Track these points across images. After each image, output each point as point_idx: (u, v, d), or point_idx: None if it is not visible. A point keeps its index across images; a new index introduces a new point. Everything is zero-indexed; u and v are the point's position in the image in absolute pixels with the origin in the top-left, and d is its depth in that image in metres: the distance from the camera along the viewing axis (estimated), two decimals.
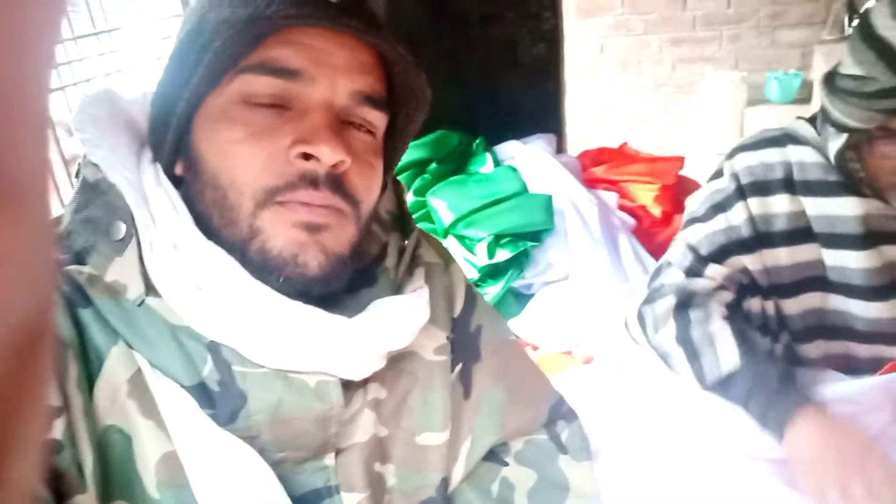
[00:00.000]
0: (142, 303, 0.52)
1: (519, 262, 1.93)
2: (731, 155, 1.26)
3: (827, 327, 1.21)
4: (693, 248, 1.21)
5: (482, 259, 1.88)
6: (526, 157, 2.30)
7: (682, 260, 1.21)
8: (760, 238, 1.18)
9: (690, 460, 1.04)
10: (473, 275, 1.88)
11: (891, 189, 1.05)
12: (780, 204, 1.18)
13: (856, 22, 1.02)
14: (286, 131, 0.52)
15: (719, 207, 1.21)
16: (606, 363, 1.35)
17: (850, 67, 0.99)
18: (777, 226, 1.18)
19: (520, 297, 1.93)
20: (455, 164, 2.26)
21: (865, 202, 1.11)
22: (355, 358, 0.55)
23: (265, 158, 0.51)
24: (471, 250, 1.92)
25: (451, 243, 1.97)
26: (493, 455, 0.74)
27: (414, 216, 2.11)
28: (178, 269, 0.52)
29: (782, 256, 1.18)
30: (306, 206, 0.52)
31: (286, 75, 0.52)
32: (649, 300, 1.22)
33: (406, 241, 0.65)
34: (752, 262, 1.18)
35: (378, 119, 0.57)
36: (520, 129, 2.49)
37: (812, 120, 1.21)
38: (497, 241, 1.89)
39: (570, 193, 2.07)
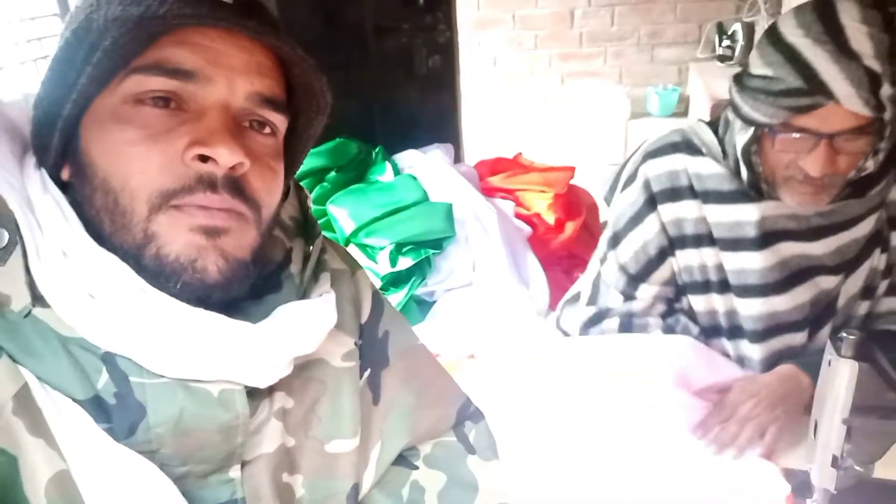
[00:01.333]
0: (28, 314, 0.49)
1: (421, 269, 1.94)
2: (641, 160, 1.34)
3: (727, 327, 1.31)
4: (624, 269, 1.34)
5: (384, 267, 1.88)
6: (425, 166, 2.32)
7: (616, 281, 1.35)
8: (673, 242, 1.30)
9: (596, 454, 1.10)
10: (376, 283, 1.87)
11: (784, 184, 1.14)
12: (687, 209, 1.27)
13: (765, 28, 1.14)
14: (182, 133, 0.51)
15: (636, 219, 1.33)
16: (510, 362, 1.39)
17: (759, 68, 1.08)
18: (686, 230, 1.28)
19: (423, 305, 1.95)
20: (355, 172, 2.25)
21: (761, 206, 1.20)
22: (260, 364, 0.54)
23: (160, 161, 0.50)
24: (373, 259, 1.91)
25: (352, 252, 1.95)
26: (403, 459, 0.74)
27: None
28: (68, 277, 0.49)
29: (692, 258, 1.28)
30: (204, 209, 0.51)
31: (181, 76, 0.51)
32: (595, 321, 1.39)
33: (310, 247, 0.64)
34: (672, 265, 1.31)
35: (278, 121, 0.56)
36: (418, 139, 2.51)
37: (712, 123, 1.30)
38: (399, 249, 1.90)
39: (470, 202, 2.10)
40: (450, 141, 2.72)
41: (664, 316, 1.37)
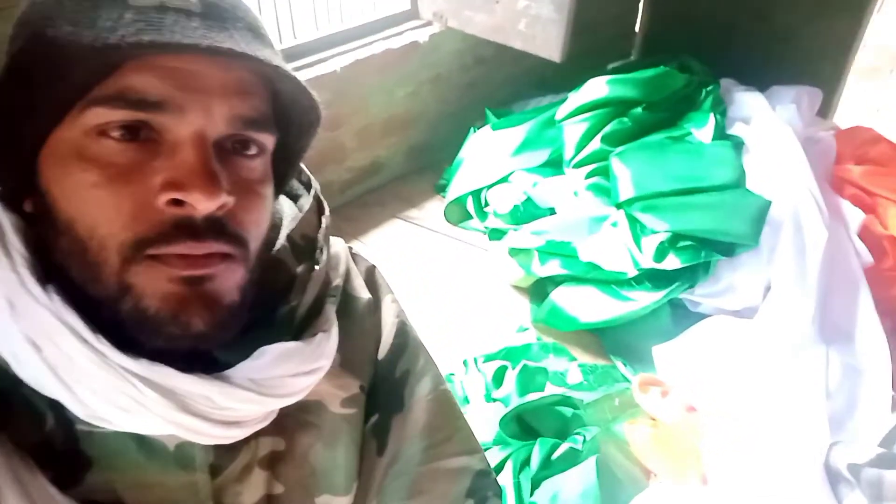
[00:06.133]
0: None
1: (693, 270, 1.54)
2: None
3: None
4: None
5: (646, 258, 1.52)
6: (764, 126, 1.77)
7: None
8: None
9: None
10: (630, 272, 1.54)
11: None
12: None
13: None
14: (154, 170, 0.45)
15: None
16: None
17: None
18: None
19: (680, 312, 1.57)
20: (669, 113, 1.81)
21: None
22: (221, 422, 0.49)
23: (130, 206, 0.45)
24: (637, 240, 1.55)
25: (619, 219, 1.61)
26: None
27: (594, 167, 1.79)
28: (12, 327, 0.47)
29: None
30: (185, 258, 0.46)
31: (148, 107, 0.45)
32: (880, 463, 1.07)
33: (313, 272, 0.56)
34: None
35: (264, 140, 0.50)
36: (782, 72, 1.93)
37: None
38: (674, 241, 1.51)
39: (801, 203, 1.57)
40: (823, 84, 2.07)
41: None
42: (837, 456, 1.13)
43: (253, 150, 0.49)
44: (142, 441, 0.49)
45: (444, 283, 1.77)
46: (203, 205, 0.45)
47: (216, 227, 0.47)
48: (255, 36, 0.48)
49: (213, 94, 0.47)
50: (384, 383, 0.64)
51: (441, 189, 2.10)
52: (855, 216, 1.67)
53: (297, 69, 1.78)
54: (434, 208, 2.06)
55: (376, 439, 0.62)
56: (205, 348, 0.49)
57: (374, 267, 0.68)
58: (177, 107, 0.46)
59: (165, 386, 0.47)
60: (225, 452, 0.52)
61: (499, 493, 0.72)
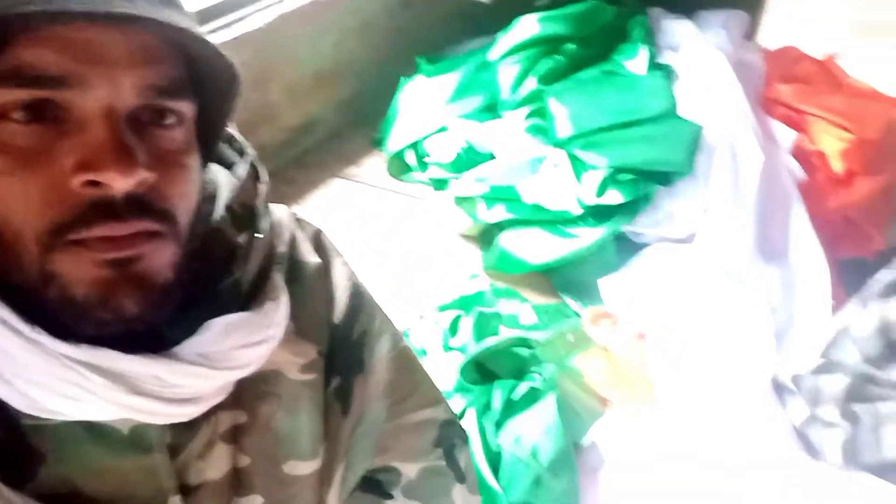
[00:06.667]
0: None
1: (634, 202, 1.56)
2: None
3: None
4: (886, 332, 1.07)
5: (588, 194, 1.53)
6: (695, 53, 1.79)
7: (868, 343, 1.09)
8: None
9: None
10: (574, 209, 1.55)
11: None
12: None
13: None
14: (63, 150, 0.43)
15: None
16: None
17: None
18: None
19: (624, 245, 1.60)
20: (599, 47, 1.81)
21: None
22: (174, 400, 0.48)
23: (42, 191, 0.43)
24: (578, 177, 1.56)
25: (559, 158, 1.61)
26: (377, 486, 0.68)
27: (531, 107, 1.78)
28: None
29: None
30: (109, 240, 0.44)
31: (49, 84, 0.42)
32: (818, 371, 1.14)
33: (253, 241, 0.55)
34: None
35: (182, 108, 0.47)
36: None
37: None
38: (614, 176, 1.52)
39: (734, 128, 1.60)
40: (748, 7, 2.09)
41: None
42: (782, 369, 1.19)
43: (170, 120, 0.47)
44: (93, 428, 0.48)
45: (391, 239, 1.76)
46: (119, 183, 0.43)
47: (138, 205, 0.44)
48: None
49: (118, 64, 0.44)
50: (342, 346, 0.63)
51: (378, 143, 2.06)
52: (787, 136, 1.71)
53: (221, 28, 1.70)
54: (374, 164, 2.03)
55: (340, 402, 0.62)
56: (141, 330, 0.47)
57: (320, 231, 0.66)
58: (80, 81, 0.43)
59: (111, 369, 0.45)
60: (184, 431, 0.51)
61: (465, 439, 0.74)
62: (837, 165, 1.68)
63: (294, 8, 1.89)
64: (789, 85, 1.83)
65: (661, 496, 1.07)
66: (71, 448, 0.48)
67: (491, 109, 1.86)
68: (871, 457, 1.01)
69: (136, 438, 0.49)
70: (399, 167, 1.96)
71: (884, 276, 1.07)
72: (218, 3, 1.81)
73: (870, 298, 1.06)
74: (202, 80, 0.50)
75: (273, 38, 1.84)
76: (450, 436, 0.72)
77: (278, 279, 0.55)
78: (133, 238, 0.45)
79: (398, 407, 0.67)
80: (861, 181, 1.67)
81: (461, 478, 0.71)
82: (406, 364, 0.69)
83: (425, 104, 1.93)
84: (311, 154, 2.09)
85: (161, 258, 0.47)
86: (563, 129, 1.60)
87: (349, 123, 2.17)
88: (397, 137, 1.94)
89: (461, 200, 1.72)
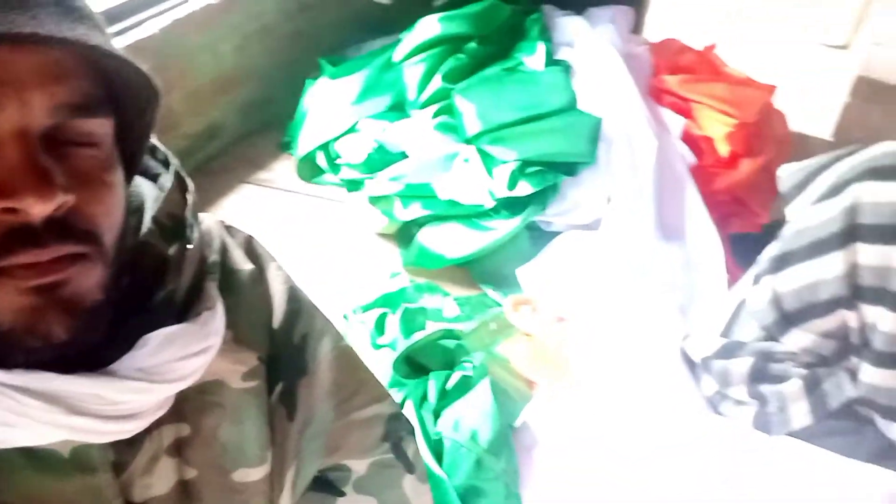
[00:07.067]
0: None
1: (544, 192, 1.64)
2: (856, 177, 1.03)
3: None
4: (778, 303, 1.11)
5: (500, 188, 1.59)
6: (588, 48, 1.88)
7: (763, 314, 1.13)
8: (860, 293, 1.03)
9: None
10: (488, 203, 1.61)
11: None
12: None
13: None
14: None
15: (819, 248, 1.06)
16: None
17: None
18: (891, 284, 0.99)
19: (537, 234, 1.67)
20: (500, 45, 1.87)
21: None
22: (115, 418, 0.47)
23: None
24: (489, 171, 1.62)
25: (470, 154, 1.66)
26: (329, 485, 0.69)
27: (438, 105, 1.82)
28: None
29: (886, 321, 1.00)
30: (31, 267, 0.42)
31: None
32: (723, 355, 1.18)
33: (186, 252, 0.54)
34: (845, 319, 1.06)
35: (100, 126, 0.46)
36: None
37: None
38: (523, 169, 1.59)
39: (630, 117, 1.70)
40: (632, 2, 2.22)
41: (812, 365, 1.11)
42: (689, 349, 1.28)
43: (88, 138, 0.46)
44: (32, 454, 0.46)
45: (308, 243, 1.75)
46: (37, 209, 0.41)
47: (60, 229, 0.43)
48: (66, 12, 0.44)
49: (27, 84, 0.42)
50: (284, 351, 0.63)
51: (287, 147, 2.05)
52: (676, 122, 1.84)
53: (115, 35, 1.63)
54: (283, 168, 2.01)
55: (285, 407, 0.62)
56: (73, 353, 0.45)
57: (251, 237, 0.65)
58: None
59: (47, 392, 0.44)
60: (126, 448, 0.50)
61: (411, 430, 0.76)
62: (723, 148, 1.82)
63: (188, 13, 1.84)
64: (675, 75, 1.96)
65: (586, 470, 1.14)
66: (8, 477, 0.46)
67: (399, 109, 1.89)
68: (781, 430, 1.10)
69: (78, 460, 0.48)
70: (310, 170, 1.95)
71: (771, 251, 1.15)
72: (109, 9, 1.74)
73: (762, 274, 1.14)
74: (120, 94, 0.48)
75: (170, 45, 1.79)
76: (396, 429, 0.73)
77: (212, 288, 0.55)
78: (57, 263, 0.43)
79: (345, 406, 0.67)
80: (744, 162, 1.81)
81: (410, 468, 0.73)
82: (349, 363, 0.69)
83: (332, 106, 1.93)
84: (216, 160, 2.04)
85: (88, 280, 0.45)
86: (472, 125, 1.65)
87: (255, 128, 2.14)
88: (306, 140, 1.93)
89: (376, 200, 1.74)
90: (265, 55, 2.12)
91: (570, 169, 1.63)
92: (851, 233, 1.01)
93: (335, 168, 1.90)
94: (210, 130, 2.04)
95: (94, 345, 0.48)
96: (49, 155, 0.42)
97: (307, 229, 1.80)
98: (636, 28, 2.28)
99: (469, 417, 1.07)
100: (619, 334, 1.41)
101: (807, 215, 1.08)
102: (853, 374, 1.07)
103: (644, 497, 1.08)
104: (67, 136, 0.44)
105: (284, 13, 2.15)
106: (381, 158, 1.80)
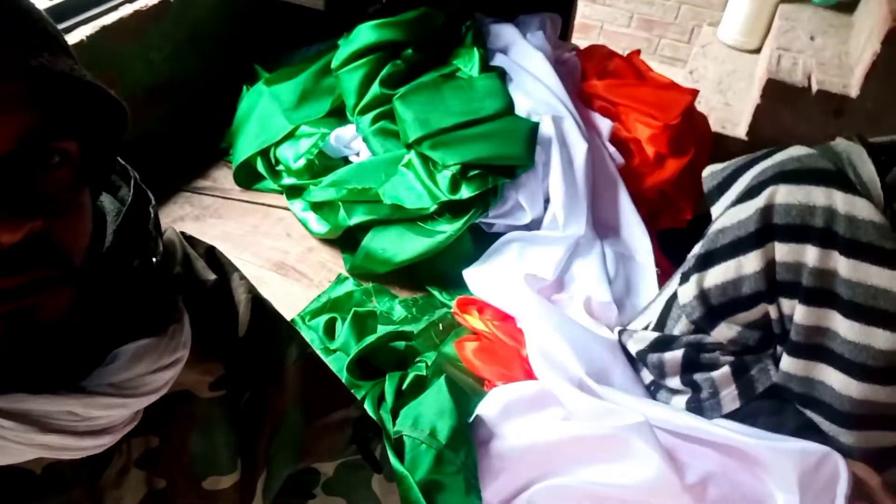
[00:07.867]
0: None
1: (485, 195, 1.68)
2: (768, 179, 1.10)
3: (813, 400, 1.13)
4: (704, 298, 1.17)
5: (442, 192, 1.63)
6: (520, 54, 1.95)
7: (692, 309, 1.19)
8: (779, 288, 1.11)
9: None
10: (431, 207, 1.64)
11: None
12: (811, 256, 1.06)
13: None
14: None
15: (739, 247, 1.13)
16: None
17: None
18: (804, 279, 1.07)
19: (480, 236, 1.72)
20: (435, 51, 1.91)
21: None
22: (87, 433, 0.47)
23: None
24: (431, 176, 1.66)
25: (412, 159, 1.70)
26: (299, 488, 0.70)
27: (377, 111, 1.84)
28: None
29: (801, 314, 1.09)
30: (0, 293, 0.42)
31: None
32: (657, 348, 1.26)
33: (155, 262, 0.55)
34: (767, 311, 1.14)
35: (66, 148, 0.45)
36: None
37: (877, 148, 1.03)
38: (464, 172, 1.63)
39: (562, 121, 1.77)
40: (559, 9, 2.29)
41: (739, 353, 1.19)
42: (626, 342, 1.35)
43: (55, 161, 0.45)
44: (3, 475, 0.46)
45: (250, 250, 1.75)
46: (4, 237, 0.41)
47: (29, 254, 0.42)
48: (29, 36, 0.43)
49: None
50: (251, 359, 0.63)
51: (225, 154, 2.03)
52: (605, 125, 1.92)
53: None
54: (222, 175, 1.99)
55: (254, 414, 0.63)
56: (43, 372, 0.46)
57: (213, 247, 0.66)
58: None
59: (19, 411, 0.44)
60: (97, 462, 0.50)
61: (379, 432, 0.78)
62: (649, 149, 1.91)
63: (117, 19, 1.80)
64: (602, 80, 2.05)
65: (540, 459, 1.19)
66: None
67: (338, 114, 1.90)
68: (714, 413, 1.18)
69: (51, 477, 0.48)
70: (248, 176, 1.94)
71: (696, 250, 1.22)
72: None
73: (689, 272, 1.20)
74: (85, 114, 0.48)
75: (100, 54, 1.75)
76: (363, 430, 0.74)
77: (178, 301, 0.55)
78: (26, 288, 0.43)
79: (314, 411, 0.68)
80: (670, 161, 1.91)
81: (377, 468, 0.74)
82: (315, 369, 0.70)
83: (269, 112, 1.93)
84: (152, 169, 2.00)
85: (56, 303, 0.45)
86: (413, 130, 1.68)
87: (191, 136, 2.11)
88: (244, 147, 1.92)
89: (319, 205, 1.75)
90: (199, 62, 2.09)
91: (509, 172, 1.68)
92: (767, 232, 1.08)
93: (275, 174, 1.90)
94: (144, 140, 2.00)
95: (64, 362, 0.48)
96: (15, 180, 0.42)
97: (250, 236, 1.79)
98: (563, 34, 2.37)
99: (427, 415, 1.11)
100: (562, 324, 1.47)
101: (727, 216, 1.15)
102: (777, 361, 1.16)
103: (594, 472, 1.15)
104: (34, 161, 0.44)
105: (216, 20, 2.12)
106: (322, 164, 1.81)
